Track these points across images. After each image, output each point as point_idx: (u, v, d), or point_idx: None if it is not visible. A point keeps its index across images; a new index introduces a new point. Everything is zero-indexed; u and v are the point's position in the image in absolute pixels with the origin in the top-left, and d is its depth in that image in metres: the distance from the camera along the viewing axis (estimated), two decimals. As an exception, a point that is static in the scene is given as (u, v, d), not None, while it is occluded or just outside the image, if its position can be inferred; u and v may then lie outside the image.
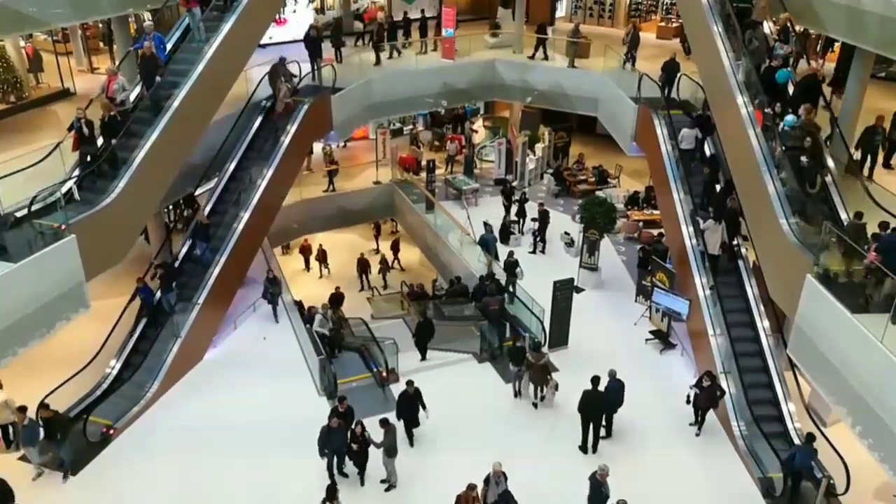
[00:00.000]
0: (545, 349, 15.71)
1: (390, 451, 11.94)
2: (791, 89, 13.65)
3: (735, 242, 15.08)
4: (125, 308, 14.85)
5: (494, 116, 30.55)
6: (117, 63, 16.27)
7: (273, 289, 16.72)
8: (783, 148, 12.32)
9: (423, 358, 15.61)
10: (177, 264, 15.78)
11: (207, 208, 16.67)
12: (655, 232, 19.74)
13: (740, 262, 15.06)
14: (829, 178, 12.09)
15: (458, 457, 12.58)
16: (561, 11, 31.54)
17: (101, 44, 25.51)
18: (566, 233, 20.64)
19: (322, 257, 22.68)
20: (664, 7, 30.86)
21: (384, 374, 14.70)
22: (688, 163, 16.55)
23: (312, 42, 19.14)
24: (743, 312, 14.34)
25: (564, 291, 15.64)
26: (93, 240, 11.78)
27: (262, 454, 12.70)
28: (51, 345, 12.71)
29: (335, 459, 12.03)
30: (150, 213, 15.38)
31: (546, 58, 22.58)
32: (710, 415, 13.35)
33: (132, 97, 14.47)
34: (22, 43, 21.23)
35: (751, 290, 14.59)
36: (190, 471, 12.40)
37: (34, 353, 11.34)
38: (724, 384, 13.31)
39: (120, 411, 13.44)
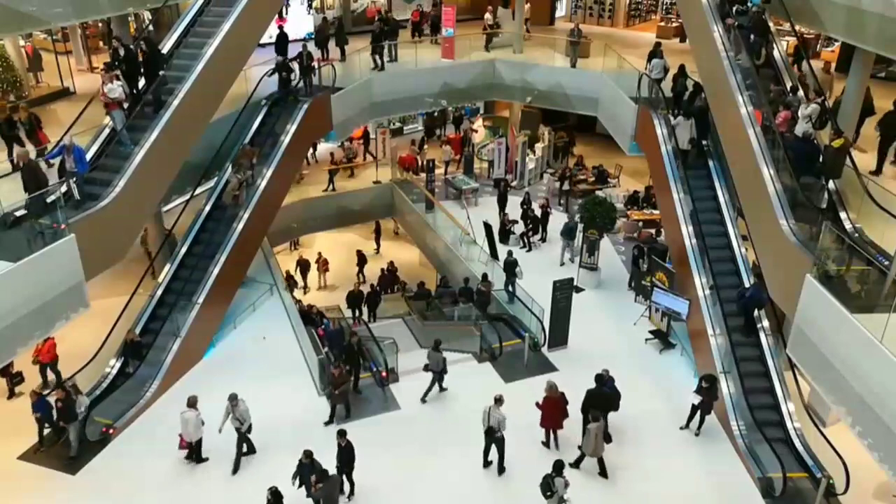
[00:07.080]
0: (545, 349, 15.82)
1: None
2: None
3: (704, 141, 16.55)
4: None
5: (494, 116, 30.57)
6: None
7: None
8: (737, 26, 14.80)
9: (372, 320, 18.46)
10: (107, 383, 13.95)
11: (140, 324, 14.88)
12: (652, 231, 19.75)
13: (710, 161, 16.48)
14: (776, 54, 14.95)
15: (456, 457, 12.58)
16: (561, 11, 31.60)
17: (101, 43, 25.55)
18: (566, 233, 20.60)
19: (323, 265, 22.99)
20: (664, 7, 30.93)
21: (384, 373, 14.70)
22: (659, 88, 18.12)
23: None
24: (714, 212, 15.76)
25: (564, 291, 15.64)
26: (93, 239, 11.77)
27: (261, 454, 12.70)
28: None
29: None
30: (150, 213, 15.37)
31: (394, 59, 22.22)
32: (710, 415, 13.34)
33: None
34: (22, 42, 21.23)
35: (719, 187, 16.00)
36: (190, 470, 12.40)
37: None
38: (723, 384, 13.33)
39: (120, 410, 13.44)
